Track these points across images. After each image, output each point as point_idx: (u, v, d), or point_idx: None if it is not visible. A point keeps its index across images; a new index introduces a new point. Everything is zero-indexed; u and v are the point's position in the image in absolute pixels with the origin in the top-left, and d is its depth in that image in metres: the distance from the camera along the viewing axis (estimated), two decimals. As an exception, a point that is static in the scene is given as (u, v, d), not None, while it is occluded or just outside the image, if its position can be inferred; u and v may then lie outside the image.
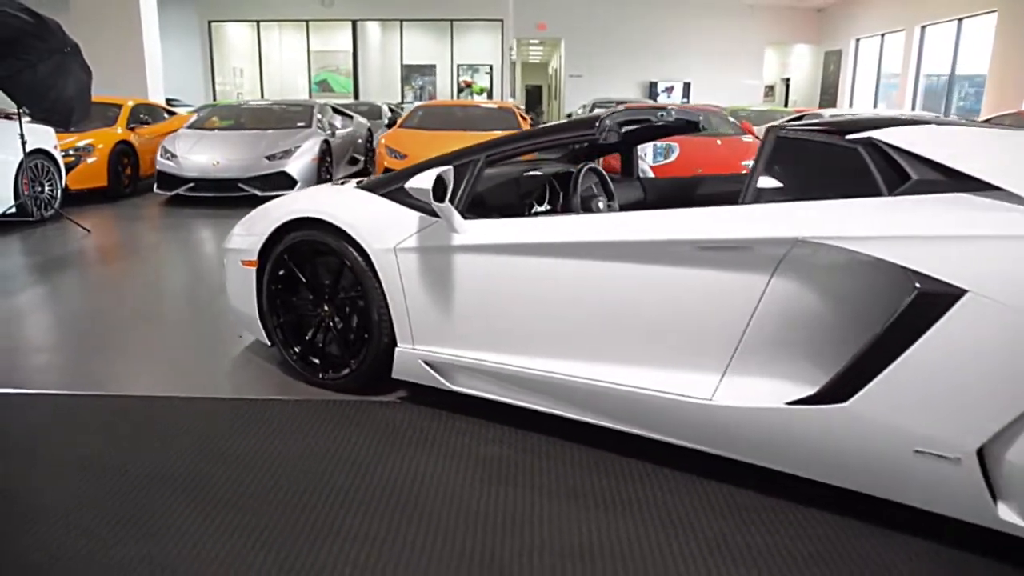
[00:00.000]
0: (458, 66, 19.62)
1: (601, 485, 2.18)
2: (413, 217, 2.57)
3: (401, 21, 18.00)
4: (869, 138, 2.02)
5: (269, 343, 3.04)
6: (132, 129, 8.77)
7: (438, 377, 2.61)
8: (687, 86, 21.75)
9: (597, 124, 2.43)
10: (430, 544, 1.89)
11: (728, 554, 1.85)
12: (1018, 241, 1.66)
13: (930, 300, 1.71)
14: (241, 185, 7.66)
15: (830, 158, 2.06)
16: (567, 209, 2.91)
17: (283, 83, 18.90)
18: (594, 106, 14.16)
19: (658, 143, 6.11)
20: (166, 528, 1.95)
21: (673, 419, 2.14)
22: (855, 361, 1.82)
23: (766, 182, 2.11)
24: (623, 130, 2.56)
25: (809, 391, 1.91)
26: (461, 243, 2.45)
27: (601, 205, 2.95)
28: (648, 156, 5.98)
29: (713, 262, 2.04)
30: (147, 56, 11.98)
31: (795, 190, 2.08)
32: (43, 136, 6.70)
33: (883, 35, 17.81)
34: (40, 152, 6.66)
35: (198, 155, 7.82)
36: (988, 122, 9.63)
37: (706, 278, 2.06)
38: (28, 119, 6.23)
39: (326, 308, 2.85)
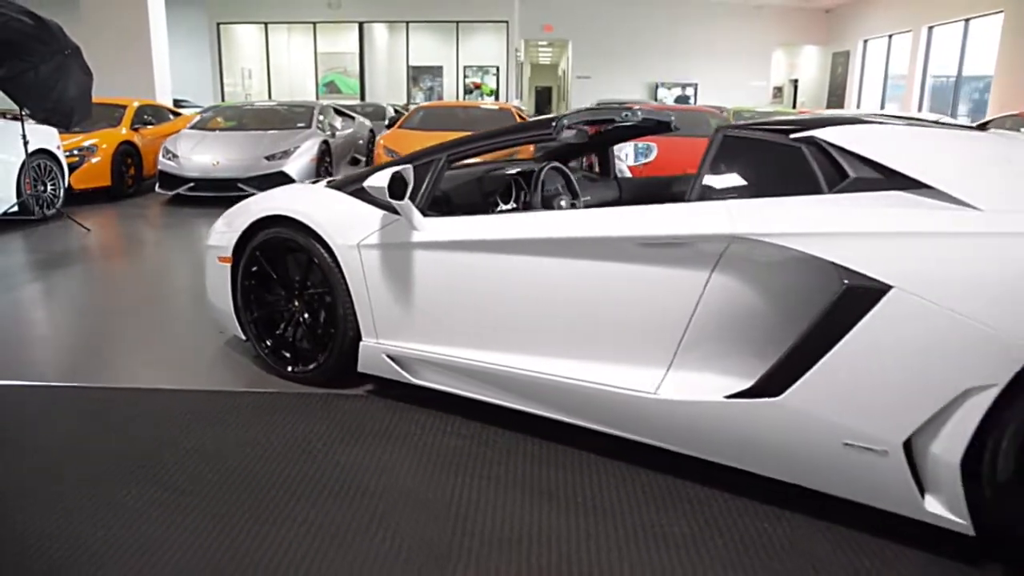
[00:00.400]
0: (464, 67, 19.72)
1: (547, 476, 2.23)
2: (377, 215, 2.64)
3: (407, 23, 18.12)
4: (812, 137, 2.06)
5: (244, 338, 3.12)
6: (136, 130, 8.92)
7: (400, 371, 2.68)
8: (695, 87, 21.74)
9: (554, 124, 2.49)
10: (374, 530, 1.95)
11: (660, 542, 1.90)
12: (942, 238, 1.70)
13: (857, 295, 1.75)
14: (240, 185, 7.76)
15: (774, 157, 2.11)
16: (529, 207, 2.96)
17: (292, 84, 19.08)
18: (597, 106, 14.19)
19: (639, 143, 6.14)
20: (118, 512, 2.02)
21: (619, 412, 2.19)
22: (787, 356, 1.86)
23: (712, 180, 2.15)
24: (579, 129, 2.60)
25: (746, 385, 1.96)
26: (420, 240, 2.51)
27: (564, 203, 3.01)
28: (629, 157, 6.02)
29: (655, 258, 2.09)
30: (154, 58, 12.16)
31: (740, 188, 2.12)
32: (46, 136, 6.84)
33: (890, 36, 17.72)
34: (43, 152, 6.80)
35: (198, 155, 7.94)
36: (987, 124, 9.59)
37: (649, 274, 2.11)
38: (30, 120, 6.36)
39: (296, 304, 2.93)
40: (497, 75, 19.68)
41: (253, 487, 2.17)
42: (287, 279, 2.93)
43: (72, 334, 3.70)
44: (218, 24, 17.78)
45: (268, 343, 3.02)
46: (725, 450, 2.05)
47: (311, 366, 2.89)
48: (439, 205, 2.88)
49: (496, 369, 2.41)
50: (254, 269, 2.98)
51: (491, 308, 2.42)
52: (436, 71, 19.80)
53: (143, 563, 1.80)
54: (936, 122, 2.53)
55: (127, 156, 8.64)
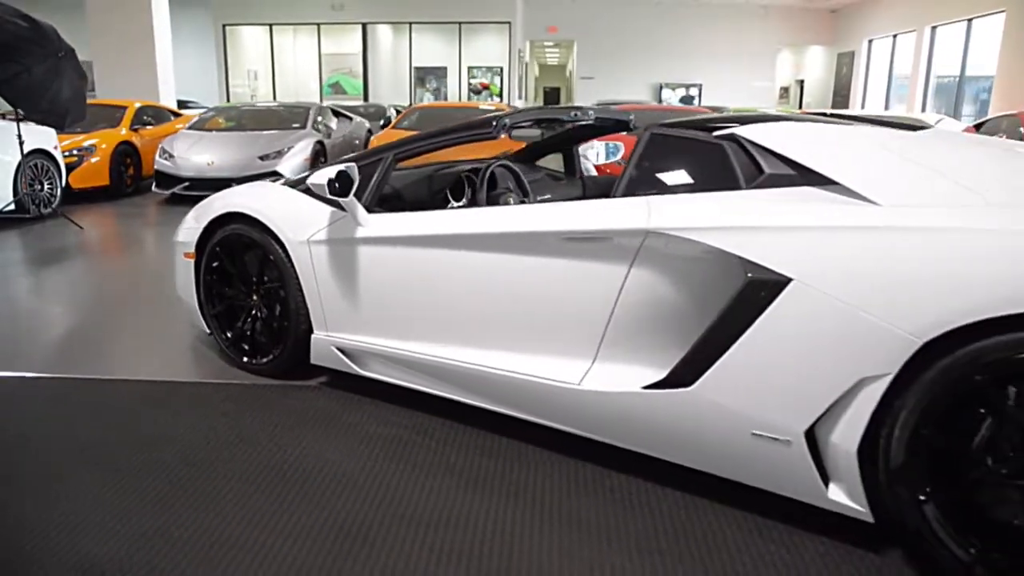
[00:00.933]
0: (468, 68, 19.82)
1: (477, 464, 2.30)
2: (326, 212, 2.72)
3: (410, 24, 18.25)
4: (732, 134, 2.12)
5: (208, 331, 3.21)
6: (136, 130, 9.08)
7: (349, 363, 2.75)
8: (699, 88, 21.71)
9: (494, 124, 2.55)
10: (303, 509, 2.03)
11: (575, 527, 1.97)
12: (839, 232, 1.75)
13: (759, 288, 1.80)
14: (234, 184, 7.88)
15: (698, 153, 2.16)
16: (475, 205, 3.03)
17: (297, 85, 19.26)
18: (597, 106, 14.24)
19: (609, 143, 6.20)
20: (66, 494, 2.11)
21: (547, 403, 2.26)
22: (696, 347, 1.92)
23: (638, 176, 2.21)
24: (517, 128, 2.66)
25: (662, 376, 2.01)
26: (364, 235, 2.59)
27: (511, 201, 3.07)
28: (600, 155, 6.08)
29: (578, 253, 2.15)
30: (158, 60, 12.34)
31: (664, 184, 2.18)
32: (43, 137, 6.99)
33: (895, 36, 17.62)
34: (40, 152, 6.95)
35: (194, 155, 8.08)
36: (980, 126, 9.53)
37: (573, 269, 2.17)
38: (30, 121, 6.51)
39: (254, 298, 3.01)
40: (502, 76, 19.76)
41: (195, 471, 2.25)
42: (245, 274, 3.02)
43: (44, 326, 3.81)
44: (223, 26, 18.00)
45: (229, 336, 3.11)
46: (644, 439, 2.11)
47: (267, 358, 2.97)
48: (391, 202, 2.96)
49: (434, 361, 2.48)
50: (215, 265, 3.08)
51: (427, 302, 2.49)
52: (440, 72, 19.90)
53: (69, 540, 1.88)
54: (887, 121, 2.58)
55: (126, 156, 8.80)
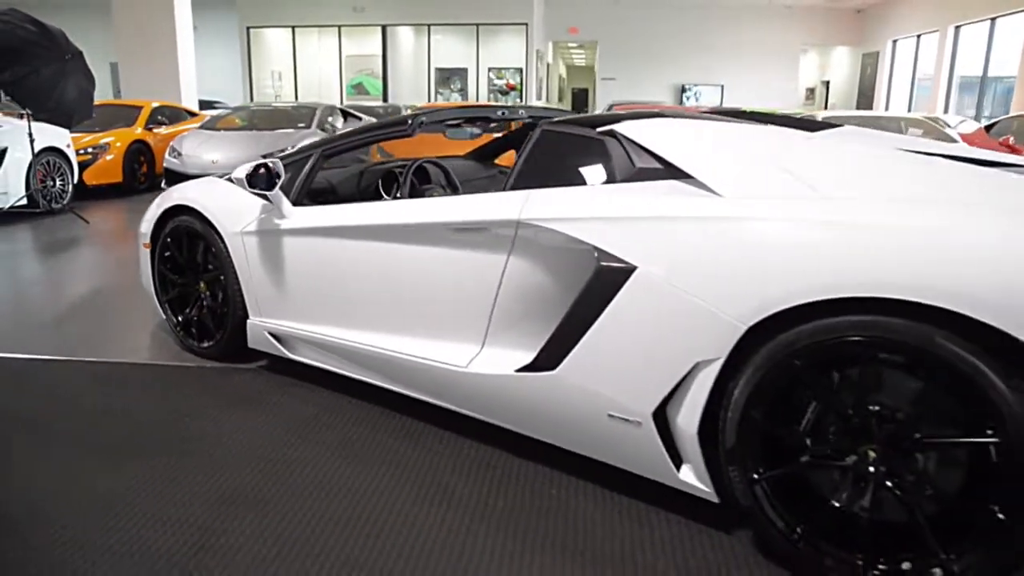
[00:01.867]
0: (489, 69, 19.99)
1: (373, 440, 2.45)
2: (258, 204, 2.88)
3: (428, 26, 18.50)
4: (612, 131, 2.21)
5: (164, 316, 3.40)
6: (150, 129, 9.45)
7: (279, 347, 2.92)
8: (721, 89, 21.55)
9: (410, 122, 2.69)
10: (202, 482, 2.19)
11: (446, 501, 2.09)
12: (678, 222, 1.84)
13: (609, 275, 1.91)
14: (238, 182, 8.16)
15: (582, 149, 2.26)
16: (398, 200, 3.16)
17: (320, 86, 19.65)
18: (610, 108, 14.28)
19: None
20: (-8, 459, 2.31)
21: (440, 384, 2.39)
22: (557, 332, 2.03)
23: (526, 171, 2.32)
24: (430, 126, 2.78)
25: (531, 360, 2.12)
26: (287, 227, 2.75)
27: (435, 195, 3.19)
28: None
29: (464, 243, 2.28)
30: (181, 63, 12.75)
31: (548, 178, 2.28)
32: (56, 136, 7.34)
33: (918, 36, 17.28)
34: (52, 150, 7.30)
35: (201, 154, 8.38)
36: (991, 127, 9.35)
37: (460, 258, 2.30)
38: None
39: (201, 285, 3.20)
40: (521, 76, 19.88)
41: (115, 439, 2.44)
42: (192, 263, 3.20)
43: (20, 310, 4.05)
44: (248, 28, 18.49)
45: (179, 321, 3.30)
46: (519, 420, 2.22)
47: (211, 342, 3.16)
48: (326, 196, 3.12)
49: (346, 344, 2.63)
50: (167, 254, 3.27)
51: (339, 288, 2.64)
52: (461, 73, 20.11)
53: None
54: (790, 120, 2.64)
55: (140, 154, 9.16)
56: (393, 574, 1.76)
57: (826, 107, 21.97)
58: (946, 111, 15.36)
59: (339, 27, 18.46)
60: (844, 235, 1.62)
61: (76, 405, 2.75)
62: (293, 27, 18.48)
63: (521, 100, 19.47)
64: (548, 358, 2.06)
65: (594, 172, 2.19)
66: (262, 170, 2.64)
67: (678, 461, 1.93)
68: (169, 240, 3.23)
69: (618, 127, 2.21)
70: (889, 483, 1.63)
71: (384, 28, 18.47)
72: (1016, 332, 1.41)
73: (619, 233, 1.91)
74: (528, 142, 2.36)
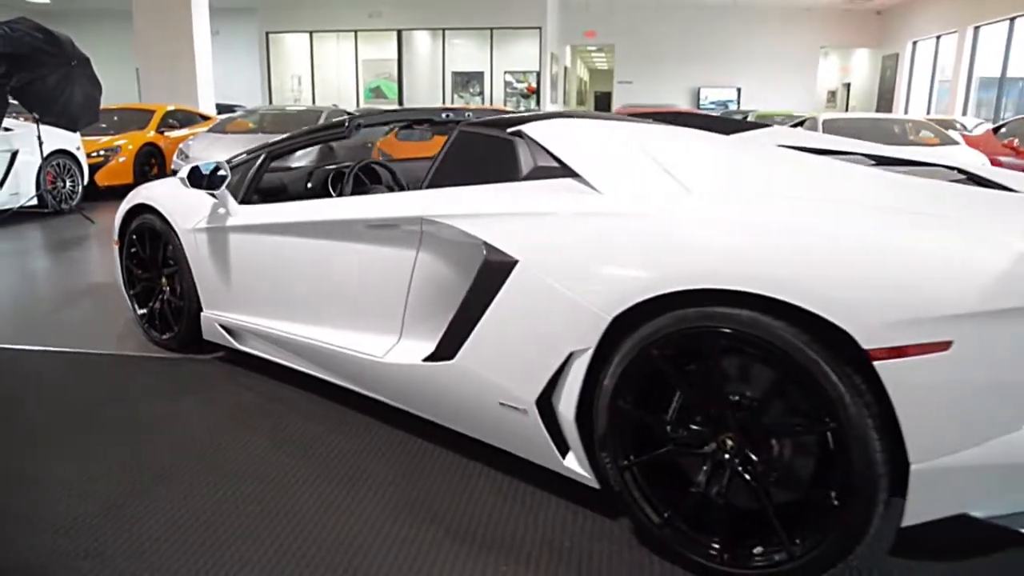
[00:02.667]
0: (505, 72, 20.15)
1: (302, 427, 2.58)
2: (209, 203, 3.03)
3: (443, 30, 18.71)
4: (520, 131, 2.31)
5: (132, 310, 3.58)
6: (162, 132, 9.75)
7: (229, 339, 3.06)
8: (738, 91, 21.42)
9: (347, 124, 2.81)
10: (128, 460, 2.33)
11: (366, 483, 2.20)
12: (556, 218, 1.94)
13: (495, 268, 2.00)
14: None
15: (493, 148, 2.35)
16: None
17: (339, 90, 19.98)
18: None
19: None
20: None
21: (361, 373, 2.50)
22: (453, 323, 2.12)
23: (442, 170, 2.42)
24: (369, 128, 2.90)
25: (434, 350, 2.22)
26: (231, 224, 2.89)
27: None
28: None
29: (380, 239, 2.39)
30: (198, 68, 13.11)
31: (461, 176, 2.37)
32: (66, 138, 7.64)
33: (938, 37, 16.99)
34: (62, 153, 7.60)
35: (207, 156, 8.62)
36: (999, 128, 9.20)
37: (377, 253, 2.41)
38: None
39: (163, 280, 3.36)
40: (538, 80, 19.98)
41: (60, 420, 2.60)
42: (154, 259, 3.36)
43: (7, 302, 4.27)
44: (267, 33, 18.89)
45: (143, 313, 3.47)
46: (427, 407, 2.33)
47: (170, 334, 3.32)
48: (276, 194, 3.26)
49: (283, 335, 2.76)
50: (132, 250, 3.44)
51: (276, 282, 2.77)
52: (477, 76, 20.29)
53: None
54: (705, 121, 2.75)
55: (151, 156, 9.47)
56: (290, 549, 1.87)
57: (847, 110, 21.69)
58: (964, 113, 15.09)
59: (355, 32, 18.78)
60: (691, 230, 1.70)
61: (33, 390, 2.92)
62: (311, 32, 18.84)
63: (537, 103, 19.58)
64: (447, 348, 2.15)
65: (501, 170, 2.27)
66: (193, 171, 2.79)
67: (564, 448, 2.00)
68: (134, 237, 3.40)
69: (525, 127, 2.29)
70: (742, 470, 1.69)
71: (399, 32, 18.74)
72: (842, 322, 1.47)
73: (504, 229, 2.00)
74: (446, 142, 2.46)
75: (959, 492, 1.46)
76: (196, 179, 2.80)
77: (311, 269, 2.65)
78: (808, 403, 1.58)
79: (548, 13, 18.18)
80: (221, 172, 2.85)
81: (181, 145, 9.07)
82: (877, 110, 19.79)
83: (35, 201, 7.25)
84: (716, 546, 1.73)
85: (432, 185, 2.40)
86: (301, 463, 2.32)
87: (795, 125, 9.88)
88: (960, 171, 2.45)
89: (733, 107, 20.97)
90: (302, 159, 8.79)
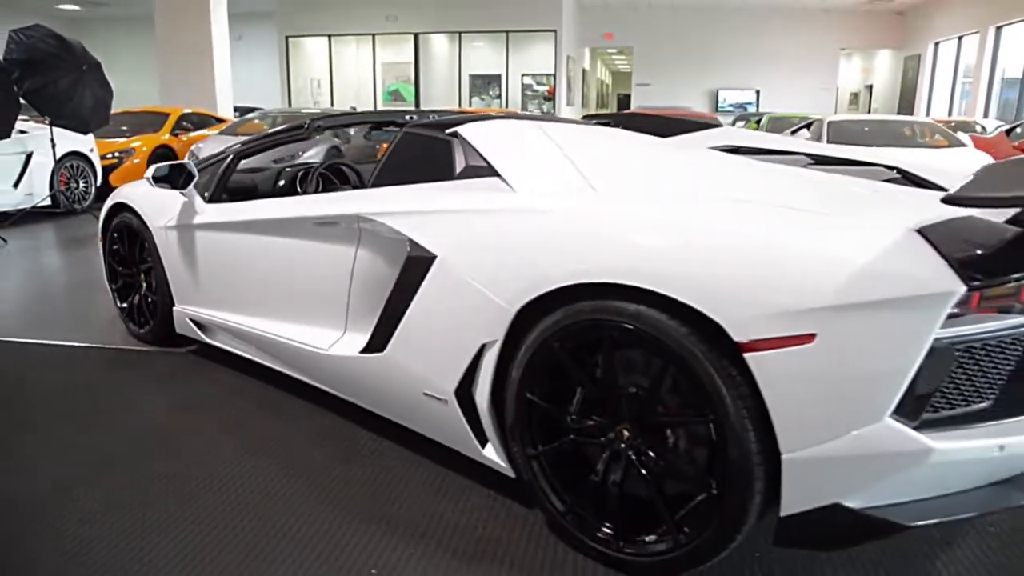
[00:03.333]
0: (522, 75, 20.25)
1: (256, 416, 2.69)
2: (179, 201, 3.15)
3: (459, 33, 18.88)
4: (456, 132, 2.38)
5: (116, 305, 3.72)
6: (176, 135, 10.01)
7: (199, 332, 3.18)
8: (756, 93, 21.26)
9: (306, 126, 2.91)
10: (82, 445, 2.45)
11: (292, 470, 2.29)
12: (471, 215, 2.01)
13: (417, 264, 2.08)
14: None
15: (431, 149, 2.44)
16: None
17: (359, 93, 20.25)
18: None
19: None
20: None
21: (311, 366, 2.60)
22: (382, 316, 2.21)
23: (387, 169, 2.51)
24: (329, 130, 3.00)
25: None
26: (197, 221, 3.01)
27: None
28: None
29: (325, 236, 2.48)
30: (216, 72, 13.40)
31: (402, 176, 2.46)
32: (80, 140, 7.89)
33: (960, 37, 16.68)
34: (76, 154, 7.86)
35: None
36: (1011, 129, 9.03)
37: (323, 250, 2.50)
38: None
39: (141, 276, 3.49)
40: (555, 82, 20.03)
41: (24, 412, 2.74)
42: (132, 256, 3.50)
43: (7, 297, 4.46)
44: (286, 37, 19.24)
45: (123, 308, 3.61)
46: (364, 396, 2.42)
47: (147, 328, 3.45)
48: (246, 193, 3.37)
49: (244, 328, 2.87)
50: (114, 247, 3.58)
51: (236, 277, 2.89)
52: (495, 79, 20.41)
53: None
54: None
55: (165, 158, 9.71)
56: (213, 531, 1.96)
57: (869, 112, 21.39)
58: (986, 114, 14.80)
59: (373, 36, 19.03)
60: (584, 227, 1.77)
61: (8, 380, 3.07)
62: (329, 36, 19.14)
63: (554, 106, 19.63)
64: (378, 341, 2.24)
65: (437, 170, 2.35)
66: (158, 170, 2.91)
67: (484, 438, 2.07)
68: (115, 235, 3.54)
69: (460, 129, 2.37)
70: (636, 460, 1.74)
71: (416, 36, 18.94)
72: (715, 315, 1.52)
73: (426, 226, 2.08)
74: (392, 143, 2.55)
75: (830, 483, 1.50)
76: (161, 179, 2.92)
77: (266, 265, 2.75)
78: (691, 395, 1.63)
79: (563, 16, 18.25)
80: (188, 172, 2.97)
81: (192, 147, 9.29)
82: (899, 112, 19.46)
83: (48, 201, 7.51)
84: (611, 533, 1.78)
85: (376, 184, 2.49)
86: (242, 450, 2.42)
87: (804, 127, 9.82)
88: (898, 171, 2.48)
89: (752, 109, 20.81)
90: (313, 158, 9.01)
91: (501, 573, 1.79)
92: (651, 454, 1.73)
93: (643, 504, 1.76)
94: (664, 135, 2.93)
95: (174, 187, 2.95)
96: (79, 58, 6.86)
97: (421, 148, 2.48)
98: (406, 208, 2.18)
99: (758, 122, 14.69)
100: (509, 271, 1.85)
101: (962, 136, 8.59)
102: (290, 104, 19.24)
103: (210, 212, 2.99)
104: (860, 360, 1.43)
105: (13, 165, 7.15)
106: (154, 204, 3.27)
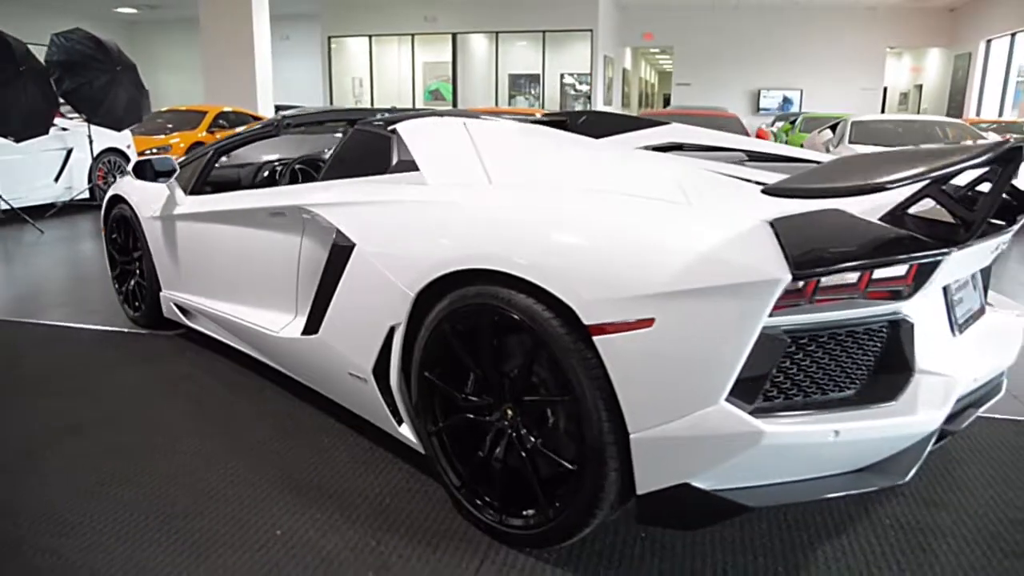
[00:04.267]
0: (561, 74, 20.31)
1: (221, 393, 2.89)
2: (164, 193, 3.38)
3: (496, 33, 19.05)
4: (395, 129, 2.52)
5: (115, 290, 4.00)
6: (212, 132, 10.45)
7: (181, 316, 3.40)
8: (799, 93, 20.82)
9: (276, 123, 3.09)
10: (54, 415, 2.68)
11: (239, 446, 2.47)
12: (384, 206, 2.16)
13: (340, 252, 2.23)
14: (275, 180, 8.93)
15: (374, 145, 2.58)
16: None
17: (399, 93, 20.62)
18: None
19: None
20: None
21: (266, 347, 2.78)
22: (315, 300, 2.36)
23: (335, 164, 2.67)
24: (298, 127, 3.16)
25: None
26: (177, 212, 3.23)
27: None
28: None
29: (277, 226, 2.66)
30: (257, 72, 13.87)
31: (347, 170, 2.60)
32: (117, 137, 8.35)
33: (1013, 34, 16.00)
34: (113, 151, 8.32)
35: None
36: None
37: (275, 239, 2.68)
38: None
39: (135, 264, 3.75)
40: (591, 82, 20.01)
41: (22, 382, 2.99)
42: (127, 244, 3.76)
43: (32, 281, 4.80)
44: (329, 38, 19.75)
45: (121, 293, 3.87)
46: (306, 375, 2.59)
47: (139, 312, 3.70)
48: (227, 187, 3.58)
49: (215, 312, 3.07)
50: (113, 236, 3.85)
51: (207, 263, 3.10)
52: (534, 79, 20.52)
53: None
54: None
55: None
56: (154, 492, 2.15)
57: (918, 112, 20.70)
58: (1037, 116, 14.17)
59: (412, 36, 19.38)
60: (467, 216, 1.89)
61: (9, 356, 3.36)
62: (370, 36, 19.56)
63: (589, 104, 19.62)
64: (313, 324, 2.40)
65: (376, 164, 2.50)
66: (138, 164, 3.14)
67: (400, 416, 2.20)
68: (113, 225, 3.81)
69: (398, 126, 2.51)
70: (515, 438, 1.85)
71: (454, 36, 19.20)
72: (569, 300, 1.61)
73: (350, 216, 2.23)
74: (342, 139, 2.71)
75: (676, 463, 1.58)
76: (141, 171, 3.15)
77: (231, 252, 2.95)
78: (555, 377, 1.72)
79: (600, 15, 18.23)
80: (169, 166, 3.19)
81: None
82: (948, 113, 18.78)
83: (87, 194, 7.98)
84: (496, 507, 1.89)
85: (325, 177, 2.65)
86: (198, 422, 2.61)
87: (830, 127, 9.65)
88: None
89: (794, 109, 20.40)
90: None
91: (393, 540, 1.92)
92: (526, 433, 1.83)
93: (523, 480, 1.86)
94: (616, 132, 3.02)
95: (154, 179, 3.17)
96: (114, 60, 7.28)
97: (365, 144, 2.63)
98: (336, 200, 2.33)
99: (792, 123, 14.44)
100: (410, 258, 1.98)
101: (994, 137, 8.32)
102: (331, 103, 19.75)
103: (188, 203, 3.21)
104: (695, 344, 1.51)
105: (54, 161, 7.62)
106: (145, 196, 3.51)
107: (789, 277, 1.43)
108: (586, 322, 1.59)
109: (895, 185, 1.37)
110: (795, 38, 20.27)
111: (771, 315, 1.47)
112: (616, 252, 1.59)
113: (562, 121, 3.22)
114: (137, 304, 3.75)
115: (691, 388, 1.52)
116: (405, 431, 2.19)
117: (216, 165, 3.40)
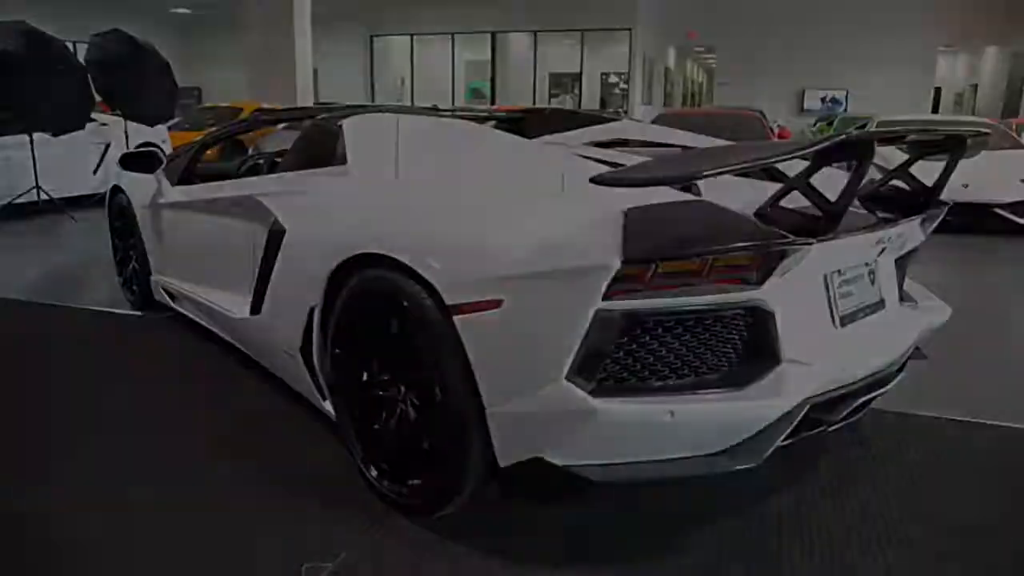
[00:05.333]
0: (602, 73, 20.33)
1: (196, 371, 3.12)
2: (155, 184, 3.63)
3: (535, 32, 19.18)
4: (340, 124, 2.68)
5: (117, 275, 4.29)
6: (247, 129, 10.89)
7: (168, 299, 3.65)
8: (846, 93, 20.30)
9: (252, 118, 3.30)
10: (34, 384, 2.94)
11: (206, 426, 2.68)
12: (312, 195, 2.31)
13: (275, 237, 2.41)
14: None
15: (323, 138, 2.74)
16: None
17: (441, 91, 20.97)
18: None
19: None
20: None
21: (228, 327, 2.98)
22: (257, 283, 2.54)
23: (293, 157, 2.85)
24: (264, 123, 3.37)
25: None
26: (162, 201, 3.48)
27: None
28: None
29: (237, 215, 2.85)
30: (297, 70, 14.33)
31: (301, 162, 2.77)
32: (153, 133, 8.78)
33: (1072, 33, 15.24)
34: (149, 145, 8.77)
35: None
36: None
37: (235, 226, 2.87)
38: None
39: (132, 250, 4.02)
40: (630, 81, 19.96)
41: (16, 358, 3.28)
42: (124, 231, 4.03)
43: (60, 267, 5.17)
44: (371, 37, 20.23)
45: (121, 277, 4.17)
46: (256, 352, 2.79)
47: (135, 294, 3.98)
48: (217, 177, 3.82)
49: (192, 295, 3.29)
50: (115, 224, 4.14)
51: (187, 250, 3.33)
52: (573, 77, 20.60)
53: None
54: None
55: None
56: (108, 447, 2.37)
57: (973, 113, 19.92)
58: (1095, 118, 13.51)
59: (452, 35, 19.68)
60: (366, 203, 2.05)
61: (10, 336, 3.68)
62: (411, 35, 19.96)
63: (626, 103, 19.58)
64: (256, 304, 2.58)
65: (324, 157, 2.65)
66: (124, 156, 3.39)
67: (324, 392, 2.35)
68: (115, 213, 4.10)
69: (343, 121, 2.67)
70: (400, 413, 1.98)
71: (493, 35, 19.42)
72: (434, 282, 1.74)
73: (285, 204, 2.41)
74: (301, 133, 2.89)
75: (528, 437, 1.69)
76: (128, 163, 3.40)
77: (204, 239, 3.17)
78: (432, 355, 1.84)
79: (639, 14, 18.16)
80: (156, 158, 3.44)
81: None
82: (1003, 116, 18.02)
83: (123, 186, 8.44)
84: (388, 476, 2.03)
85: (281, 169, 2.84)
86: (166, 392, 2.84)
87: (859, 127, 9.46)
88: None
89: (841, 110, 19.92)
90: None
91: (300, 501, 2.08)
92: (407, 406, 1.96)
93: (406, 451, 1.99)
94: (568, 129, 3.13)
95: (139, 171, 3.42)
96: (147, 59, 7.70)
97: (315, 138, 2.79)
98: (277, 189, 2.51)
99: (830, 124, 14.15)
100: (325, 243, 2.14)
101: (1027, 139, 8.04)
102: (373, 101, 20.24)
103: (172, 193, 3.45)
104: (537, 325, 1.62)
105: (93, 154, 8.09)
106: (139, 186, 3.77)
107: (619, 263, 1.52)
108: (447, 303, 1.72)
109: (704, 175, 1.45)
110: (842, 37, 19.77)
111: (608, 299, 1.56)
112: (475, 237, 1.72)
113: (520, 118, 3.34)
114: (134, 288, 4.03)
115: (536, 366, 1.63)
116: (327, 406, 2.34)
117: (211, 155, 3.63)
